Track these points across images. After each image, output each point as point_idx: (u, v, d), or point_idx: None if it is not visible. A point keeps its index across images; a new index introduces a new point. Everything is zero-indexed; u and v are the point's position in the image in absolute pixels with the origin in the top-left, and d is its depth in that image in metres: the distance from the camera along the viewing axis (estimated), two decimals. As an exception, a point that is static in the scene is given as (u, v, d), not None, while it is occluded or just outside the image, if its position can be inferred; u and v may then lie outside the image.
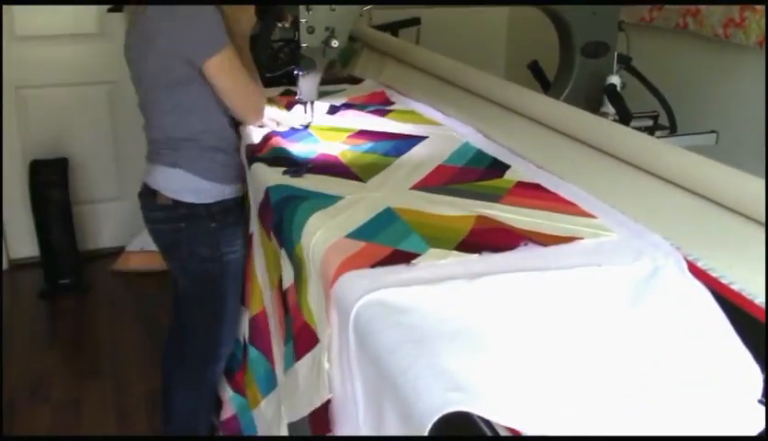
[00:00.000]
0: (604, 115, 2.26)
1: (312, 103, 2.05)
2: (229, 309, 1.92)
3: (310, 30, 1.96)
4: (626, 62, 2.43)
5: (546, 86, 2.53)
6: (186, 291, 1.98)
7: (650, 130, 2.36)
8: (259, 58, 2.17)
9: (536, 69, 2.54)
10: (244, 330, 1.86)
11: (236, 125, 1.96)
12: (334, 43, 1.97)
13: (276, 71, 2.36)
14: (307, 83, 2.03)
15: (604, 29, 2.35)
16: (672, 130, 2.39)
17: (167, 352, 2.16)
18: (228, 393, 2.05)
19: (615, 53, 2.36)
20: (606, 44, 2.35)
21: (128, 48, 1.87)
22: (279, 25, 2.21)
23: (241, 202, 1.92)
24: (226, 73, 1.77)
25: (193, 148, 1.84)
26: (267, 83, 2.26)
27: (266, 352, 1.70)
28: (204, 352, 1.97)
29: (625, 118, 2.21)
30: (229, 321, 1.93)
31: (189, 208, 1.84)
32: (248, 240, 1.91)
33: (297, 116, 2.03)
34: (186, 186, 1.84)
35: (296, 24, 1.97)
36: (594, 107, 2.30)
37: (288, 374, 1.41)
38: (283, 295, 1.49)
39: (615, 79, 2.29)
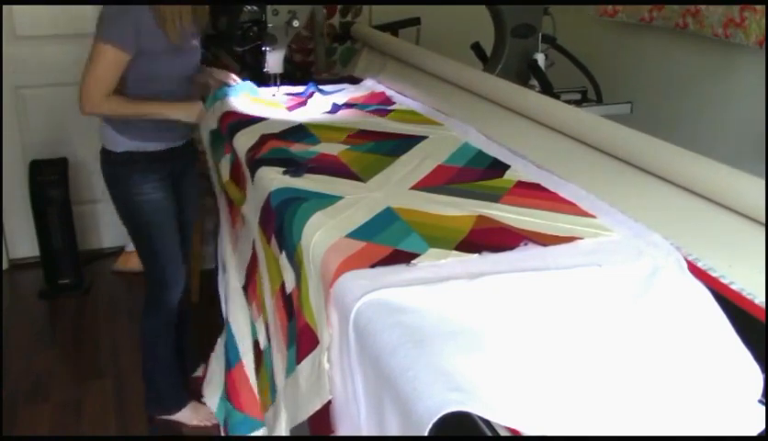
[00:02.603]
0: (532, 87, 2.57)
1: (278, 75, 2.41)
2: (157, 242, 2.30)
3: (275, 12, 2.37)
4: (550, 42, 2.76)
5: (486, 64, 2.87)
6: (125, 227, 2.38)
7: (578, 103, 2.69)
8: (231, 36, 2.53)
9: (478, 49, 2.87)
10: (261, 334, 1.85)
11: (232, 128, 2.01)
12: (295, 23, 2.38)
13: (245, 46, 2.63)
14: (273, 57, 2.39)
15: (531, 14, 2.67)
16: (599, 102, 2.71)
17: None
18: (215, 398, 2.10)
19: (540, 34, 2.68)
20: (533, 26, 2.67)
21: None
22: (248, 8, 2.48)
23: (152, 158, 2.27)
24: (90, 58, 2.10)
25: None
26: (239, 55, 2.69)
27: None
28: (153, 283, 2.36)
29: (545, 87, 2.54)
30: (162, 253, 2.31)
31: (107, 153, 2.28)
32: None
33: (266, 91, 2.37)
34: (104, 134, 2.28)
35: (263, 7, 2.36)
36: (524, 81, 2.63)
37: (290, 378, 1.41)
38: (286, 300, 1.48)
39: (539, 56, 2.66)
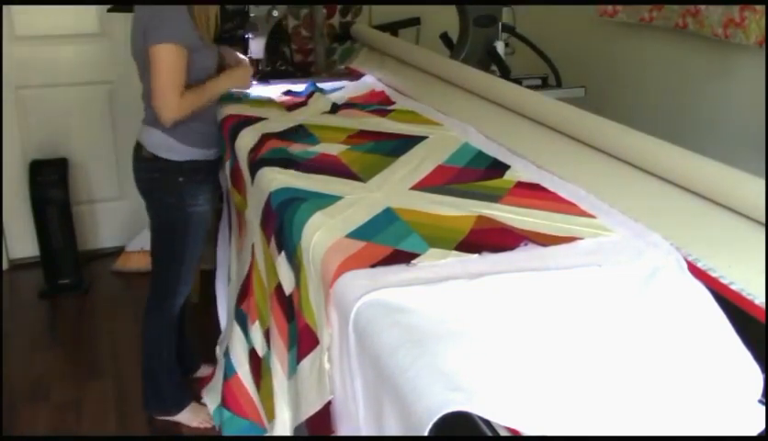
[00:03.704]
0: (493, 72, 2.80)
1: (260, 60, 2.68)
2: (189, 253, 2.26)
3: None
4: (510, 31, 2.95)
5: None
6: (156, 232, 2.31)
7: (539, 88, 2.87)
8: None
9: (446, 38, 3.04)
10: (258, 342, 1.83)
11: (231, 130, 2.04)
12: (275, 13, 2.64)
13: (229, 33, 2.79)
14: (256, 43, 2.66)
15: (492, 5, 2.88)
16: (559, 87, 2.89)
17: None
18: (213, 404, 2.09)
19: (500, 24, 2.88)
20: (494, 16, 2.87)
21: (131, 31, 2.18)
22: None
23: (211, 165, 2.25)
24: (157, 63, 2.02)
25: None
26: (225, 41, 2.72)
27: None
28: (165, 287, 2.32)
29: (504, 73, 2.78)
30: (188, 263, 2.28)
31: (165, 162, 2.17)
32: (223, 198, 2.33)
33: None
34: (162, 143, 2.15)
35: None
36: (486, 67, 2.81)
37: (292, 379, 1.41)
38: (285, 302, 1.48)
39: (499, 44, 2.87)
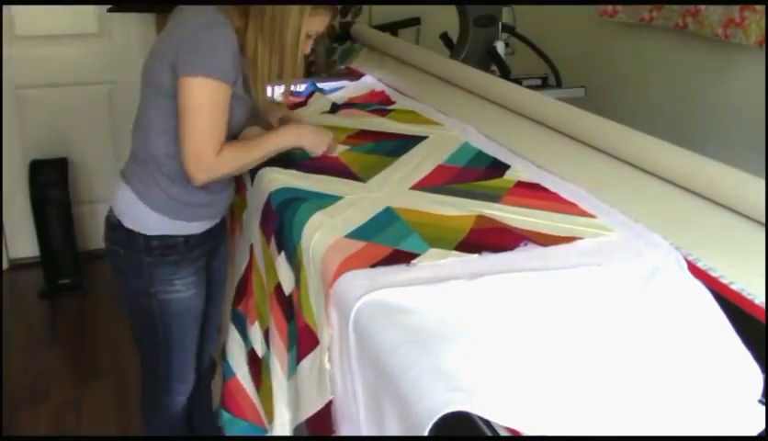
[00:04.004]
0: (493, 72, 2.79)
1: None
2: (177, 345, 1.77)
3: None
4: (510, 31, 2.95)
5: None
6: (131, 318, 1.81)
7: (539, 88, 2.88)
8: None
9: (446, 38, 3.03)
10: (257, 342, 1.79)
11: None
12: None
13: None
14: None
15: (492, 5, 2.89)
16: (559, 86, 2.90)
17: None
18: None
19: (500, 24, 2.88)
20: (494, 16, 2.87)
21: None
22: None
23: (192, 242, 1.71)
24: (194, 103, 1.50)
25: (149, 169, 1.63)
26: None
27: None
28: (154, 382, 1.87)
29: (504, 72, 2.78)
30: (176, 358, 1.79)
31: (128, 234, 1.65)
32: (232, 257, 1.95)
33: None
34: (127, 207, 1.65)
35: None
36: (486, 67, 2.80)
37: (292, 380, 1.41)
38: (285, 302, 1.48)
39: (499, 44, 2.86)
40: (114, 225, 1.68)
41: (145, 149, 1.64)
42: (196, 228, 1.70)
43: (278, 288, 1.50)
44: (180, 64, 1.50)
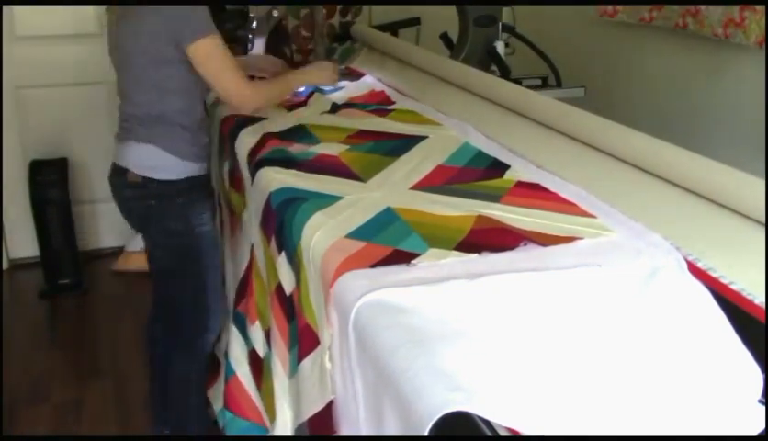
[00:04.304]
0: (493, 72, 2.82)
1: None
2: (210, 280, 2.00)
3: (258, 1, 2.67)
4: (510, 31, 2.97)
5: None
6: (165, 266, 2.04)
7: (539, 88, 2.90)
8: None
9: (446, 38, 3.07)
10: (258, 342, 1.80)
11: (231, 130, 2.01)
12: (275, 13, 2.68)
13: (229, 33, 2.82)
14: (256, 43, 2.68)
15: (492, 5, 2.91)
16: (559, 86, 2.92)
17: (153, 325, 2.21)
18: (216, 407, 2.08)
19: (500, 24, 2.90)
20: (494, 17, 2.89)
21: (113, 36, 1.93)
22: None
23: (206, 180, 2.04)
24: (211, 58, 1.83)
25: (167, 125, 1.90)
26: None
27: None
28: (194, 323, 2.04)
29: (504, 73, 2.80)
30: (211, 291, 2.01)
31: (159, 184, 1.90)
32: (226, 226, 2.15)
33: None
34: (157, 162, 1.90)
35: None
36: (486, 67, 2.82)
37: (293, 379, 1.41)
38: (285, 301, 1.48)
39: (499, 44, 2.89)
40: (139, 184, 1.90)
41: (159, 109, 1.89)
42: (204, 169, 2.01)
43: (279, 287, 1.50)
44: (185, 35, 1.79)
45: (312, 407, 1.27)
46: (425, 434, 0.82)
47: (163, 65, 1.85)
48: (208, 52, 1.82)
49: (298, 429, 1.40)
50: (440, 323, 1.02)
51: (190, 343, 2.07)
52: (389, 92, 2.38)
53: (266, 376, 1.67)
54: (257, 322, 1.75)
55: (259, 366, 1.74)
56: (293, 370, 1.40)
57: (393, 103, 2.26)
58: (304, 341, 1.34)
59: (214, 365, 2.18)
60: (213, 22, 1.84)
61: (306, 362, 1.32)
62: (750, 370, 1.00)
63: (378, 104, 2.25)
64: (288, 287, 1.46)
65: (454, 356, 0.94)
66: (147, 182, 1.90)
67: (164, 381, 2.16)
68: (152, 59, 1.84)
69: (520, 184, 1.55)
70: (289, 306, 1.45)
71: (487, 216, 1.37)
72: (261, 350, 1.74)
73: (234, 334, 1.94)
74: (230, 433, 1.89)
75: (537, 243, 1.26)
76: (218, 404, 2.18)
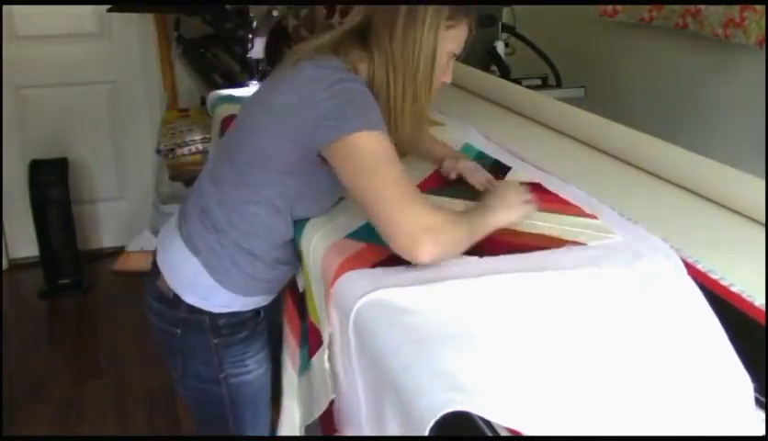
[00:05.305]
0: (493, 72, 2.83)
1: (260, 60, 2.64)
2: (248, 431, 1.54)
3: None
4: (510, 31, 2.97)
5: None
6: (191, 408, 1.61)
7: (539, 88, 2.90)
8: (232, 36, 2.71)
9: None
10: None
11: None
12: (275, 13, 2.67)
13: (229, 33, 2.87)
14: (257, 42, 2.66)
15: (492, 5, 2.93)
16: (559, 86, 2.93)
17: None
18: None
19: (500, 24, 2.92)
20: (494, 16, 2.89)
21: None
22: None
23: (263, 314, 1.50)
24: (366, 160, 1.17)
25: (226, 242, 1.35)
26: (239, 55, 2.82)
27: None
28: None
29: (504, 72, 2.81)
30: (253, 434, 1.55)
31: (190, 312, 1.39)
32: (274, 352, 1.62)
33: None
34: (192, 280, 1.38)
35: None
36: (486, 67, 2.83)
37: (303, 376, 1.41)
38: (297, 298, 1.48)
39: (499, 44, 2.90)
40: (168, 299, 1.40)
41: (235, 222, 1.34)
42: (265, 300, 1.47)
43: (294, 283, 1.50)
44: (324, 131, 1.19)
45: (319, 406, 1.28)
46: (426, 433, 0.82)
47: (271, 168, 1.29)
48: (366, 149, 1.17)
49: (308, 428, 1.40)
50: (440, 323, 1.02)
51: None
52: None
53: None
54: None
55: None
56: (303, 368, 1.40)
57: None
58: (312, 340, 1.34)
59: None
60: (375, 113, 1.21)
61: (314, 360, 1.32)
62: (738, 378, 0.99)
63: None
64: (301, 284, 1.46)
65: (454, 355, 0.94)
66: (178, 301, 1.39)
67: None
68: (258, 155, 1.30)
69: (521, 184, 1.55)
70: (301, 303, 1.45)
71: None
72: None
73: None
74: None
75: (538, 244, 1.26)
76: None
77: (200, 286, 1.37)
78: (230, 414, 1.49)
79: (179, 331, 1.42)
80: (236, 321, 1.43)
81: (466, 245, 1.18)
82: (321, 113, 1.19)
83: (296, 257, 1.41)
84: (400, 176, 1.16)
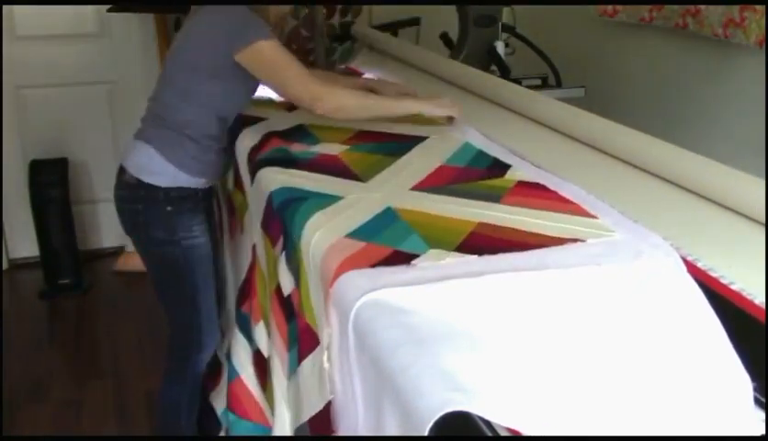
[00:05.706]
0: (493, 72, 2.85)
1: None
2: (202, 295, 1.93)
3: None
4: (510, 31, 3.00)
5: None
6: (153, 276, 1.98)
7: (539, 88, 2.92)
8: None
9: (446, 38, 3.10)
10: (263, 342, 1.78)
11: (232, 130, 1.98)
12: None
13: None
14: None
15: (492, 5, 2.94)
16: (559, 86, 2.95)
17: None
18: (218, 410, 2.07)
19: (500, 24, 2.94)
20: (494, 17, 2.92)
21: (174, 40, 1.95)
22: None
23: (201, 195, 1.93)
24: (275, 59, 1.76)
25: (174, 131, 1.85)
26: None
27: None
28: (184, 339, 1.98)
29: (504, 72, 2.84)
30: (204, 307, 1.94)
31: (148, 189, 1.84)
32: (220, 229, 2.12)
33: None
34: (152, 165, 1.84)
35: None
36: (486, 67, 2.85)
37: (292, 379, 1.41)
38: (283, 302, 1.48)
39: (499, 44, 2.92)
40: (132, 185, 1.85)
41: (174, 116, 1.85)
42: (203, 183, 1.91)
43: (279, 288, 1.51)
44: (237, 40, 1.74)
45: (313, 408, 1.27)
46: (425, 433, 0.82)
47: (202, 77, 1.81)
48: (271, 53, 1.76)
49: (298, 430, 1.40)
50: (440, 323, 1.02)
51: (182, 365, 2.00)
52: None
53: (270, 376, 1.67)
54: (261, 322, 1.75)
55: (263, 366, 1.74)
56: (292, 371, 1.41)
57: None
58: (304, 341, 1.34)
59: (216, 366, 2.18)
60: (258, 21, 1.79)
61: (306, 362, 1.32)
62: (736, 377, 0.99)
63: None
64: (287, 287, 1.46)
65: (454, 355, 0.94)
66: (139, 184, 1.84)
67: (157, 405, 2.10)
68: (191, 70, 1.82)
69: (521, 184, 1.55)
70: (288, 306, 1.46)
71: (489, 223, 1.36)
72: (266, 350, 1.74)
73: (238, 336, 1.94)
74: (234, 433, 1.89)
75: (538, 243, 1.26)
76: (220, 406, 2.18)
77: (154, 165, 1.84)
78: (186, 273, 1.90)
79: (141, 206, 1.86)
80: (183, 194, 1.87)
81: (370, 108, 1.86)
82: (227, 27, 1.75)
83: (220, 150, 1.92)
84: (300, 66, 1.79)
